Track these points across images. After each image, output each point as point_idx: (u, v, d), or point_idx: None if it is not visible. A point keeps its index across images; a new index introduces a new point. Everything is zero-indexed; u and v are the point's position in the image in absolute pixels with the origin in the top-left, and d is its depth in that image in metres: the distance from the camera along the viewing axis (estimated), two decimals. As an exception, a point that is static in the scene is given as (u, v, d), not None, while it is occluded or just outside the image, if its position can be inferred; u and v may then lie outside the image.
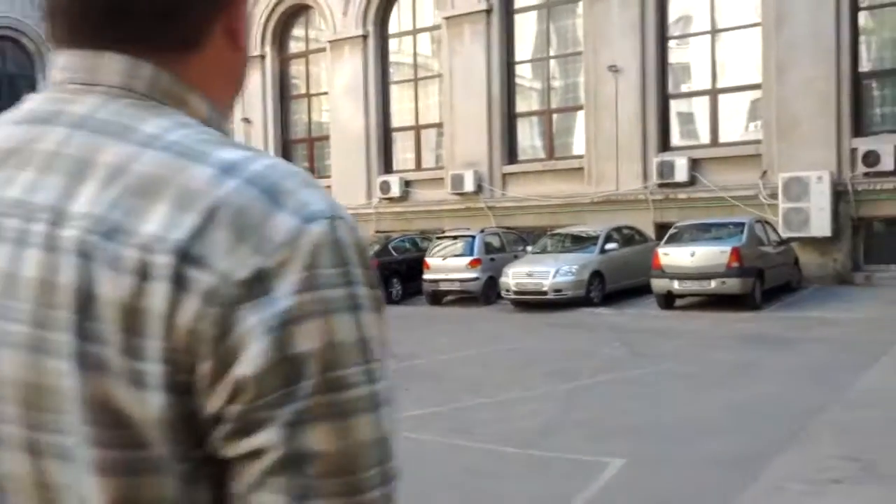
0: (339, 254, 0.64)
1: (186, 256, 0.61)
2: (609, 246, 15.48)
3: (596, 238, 15.67)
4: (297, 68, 24.92)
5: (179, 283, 0.61)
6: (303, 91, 24.95)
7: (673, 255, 13.82)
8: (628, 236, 16.46)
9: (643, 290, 15.32)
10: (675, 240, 14.42)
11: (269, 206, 0.63)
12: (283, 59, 24.82)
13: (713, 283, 13.41)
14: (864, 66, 16.36)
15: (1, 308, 0.65)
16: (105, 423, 0.62)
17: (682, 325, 12.12)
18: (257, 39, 24.32)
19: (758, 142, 17.19)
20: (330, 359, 0.62)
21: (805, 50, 16.28)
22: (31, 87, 29.04)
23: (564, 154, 19.88)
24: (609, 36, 18.57)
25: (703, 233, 14.60)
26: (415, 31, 22.37)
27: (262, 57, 24.37)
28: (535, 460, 5.66)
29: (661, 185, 17.86)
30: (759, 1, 17.04)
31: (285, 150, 24.84)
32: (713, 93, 17.98)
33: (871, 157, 15.54)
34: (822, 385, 7.38)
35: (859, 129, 16.20)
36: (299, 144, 24.89)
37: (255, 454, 0.62)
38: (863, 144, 15.76)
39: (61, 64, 0.72)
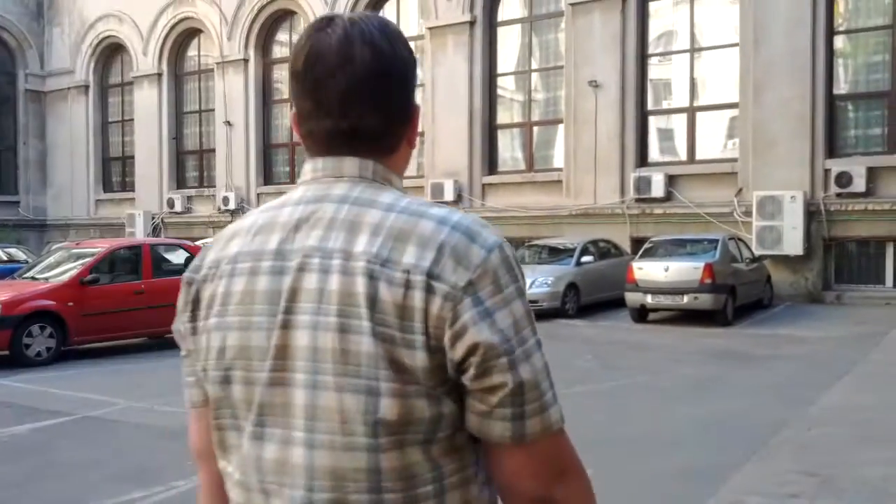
0: (507, 266, 1.11)
1: (431, 275, 1.07)
2: (585, 258, 15.66)
3: (572, 250, 15.85)
4: (280, 73, 24.95)
5: (429, 290, 1.07)
6: (285, 96, 24.96)
7: (647, 270, 14.01)
8: (604, 249, 16.65)
9: (618, 303, 15.50)
10: (649, 254, 14.61)
11: (468, 243, 1.10)
12: (267, 64, 24.85)
13: (686, 299, 13.61)
14: (839, 88, 16.68)
15: (319, 309, 1.09)
16: (393, 370, 1.06)
17: (654, 339, 12.28)
18: (241, 43, 24.38)
19: (734, 160, 17.47)
20: (517, 326, 1.09)
21: (782, 71, 16.58)
22: (12, 82, 28.88)
23: (544, 166, 20.09)
24: (590, 51, 18.81)
25: (677, 248, 14.79)
26: (399, 40, 22.47)
27: (246, 61, 24.45)
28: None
29: (638, 200, 18.10)
30: (738, 21, 17.35)
31: (266, 153, 24.88)
32: (691, 110, 18.26)
33: (844, 179, 15.85)
34: (786, 402, 7.54)
35: (833, 150, 16.52)
36: (280, 149, 24.90)
37: (491, 389, 1.07)
38: (836, 166, 16.06)
39: (317, 166, 1.21)
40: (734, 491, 4.97)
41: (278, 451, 1.13)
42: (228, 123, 24.70)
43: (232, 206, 24.39)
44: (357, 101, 1.17)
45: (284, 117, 24.90)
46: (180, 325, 1.25)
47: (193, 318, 1.22)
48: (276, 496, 1.14)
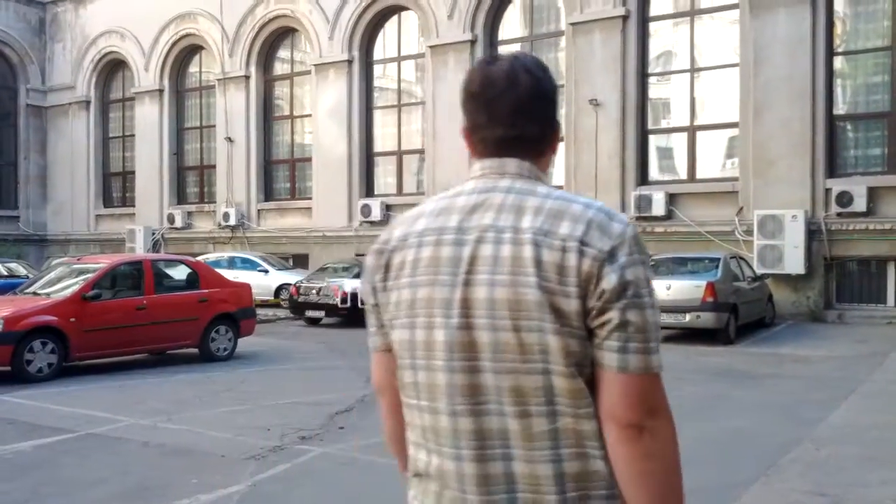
0: (636, 239, 1.48)
1: (583, 242, 1.43)
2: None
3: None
4: (281, 90, 25.04)
5: (581, 254, 1.43)
6: (286, 112, 25.05)
7: (649, 288, 13.98)
8: (605, 268, 16.63)
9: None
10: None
11: (608, 220, 1.47)
12: (268, 81, 24.95)
13: (688, 317, 13.58)
14: (839, 108, 16.77)
15: (494, 270, 1.46)
16: (554, 314, 1.42)
17: (657, 358, 12.24)
18: (243, 60, 24.47)
19: (734, 179, 17.52)
20: (638, 284, 1.44)
21: (781, 91, 16.67)
22: (13, 97, 28.93)
23: (545, 184, 20.09)
24: (590, 70, 18.91)
25: (678, 266, 14.78)
26: (399, 58, 22.61)
27: (247, 77, 24.53)
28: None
29: (639, 219, 18.10)
30: (738, 42, 17.45)
31: (266, 170, 24.92)
32: (691, 129, 18.33)
33: (845, 198, 15.90)
34: (793, 421, 7.51)
35: (833, 170, 16.58)
36: (281, 165, 24.95)
37: (606, 323, 1.43)
38: (836, 185, 16.13)
39: (484, 165, 1.60)
40: (744, 511, 4.95)
41: (467, 378, 1.50)
42: (229, 140, 24.74)
43: (232, 221, 24.40)
44: (521, 114, 1.59)
45: (285, 133, 24.97)
46: (372, 283, 1.65)
47: (385, 278, 1.62)
48: (463, 415, 1.51)
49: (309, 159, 23.91)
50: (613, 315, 1.43)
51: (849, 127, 16.78)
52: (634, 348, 1.43)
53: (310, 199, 23.67)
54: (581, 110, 18.97)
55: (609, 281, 1.43)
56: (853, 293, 16.50)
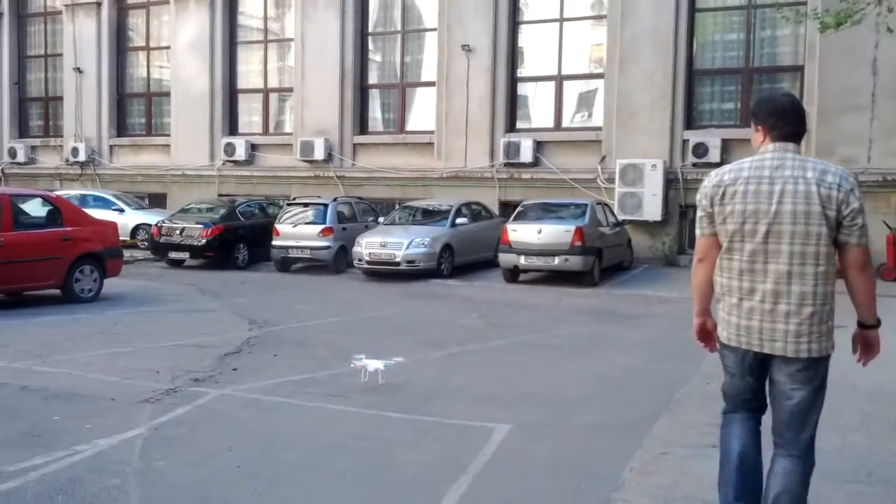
0: (856, 188, 3.40)
1: (839, 187, 3.34)
2: (459, 220, 15.89)
3: (447, 212, 16.03)
4: (136, 19, 23.59)
5: (839, 190, 3.33)
6: (142, 43, 23.65)
7: (521, 232, 14.38)
8: (476, 212, 16.94)
9: (488, 264, 15.88)
10: (522, 217, 14.99)
11: (847, 177, 3.39)
12: (122, 8, 23.47)
13: (557, 260, 14.09)
14: (698, 63, 17.59)
15: (795, 199, 3.34)
16: (824, 219, 3.32)
17: (530, 299, 12.67)
18: (93, -16, 22.84)
19: (598, 128, 18.12)
20: (862, 208, 3.36)
21: (646, 44, 17.31)
22: None
23: (415, 128, 20.11)
24: (462, 14, 18.91)
25: (548, 212, 15.24)
26: (267, -7, 21.78)
27: (98, 4, 22.95)
28: (421, 425, 5.81)
29: (507, 165, 18.49)
30: (608, -6, 17.90)
31: (120, 104, 23.57)
32: (559, 79, 18.74)
33: (701, 149, 16.81)
34: (676, 358, 7.97)
35: (691, 122, 17.46)
36: (136, 99, 23.66)
37: (853, 224, 3.34)
38: (693, 136, 17.01)
39: (777, 146, 3.46)
40: (658, 443, 5.23)
41: (775, 247, 3.35)
42: (78, 70, 23.19)
43: (82, 157, 23.02)
44: (799, 121, 3.49)
45: (140, 66, 23.64)
46: (711, 200, 3.48)
47: (722, 198, 3.44)
48: (771, 263, 3.36)
49: (167, 94, 22.76)
50: (856, 220, 3.35)
51: (706, 81, 17.65)
52: (861, 234, 3.35)
53: (168, 135, 22.60)
54: (453, 55, 18.99)
55: (852, 204, 3.35)
56: (703, 240, 17.52)
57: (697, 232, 3.56)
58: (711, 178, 3.50)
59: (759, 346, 3.41)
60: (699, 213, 3.53)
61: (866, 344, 3.53)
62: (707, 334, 3.71)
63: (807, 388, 3.42)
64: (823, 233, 3.28)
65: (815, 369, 3.42)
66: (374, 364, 6.97)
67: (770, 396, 3.56)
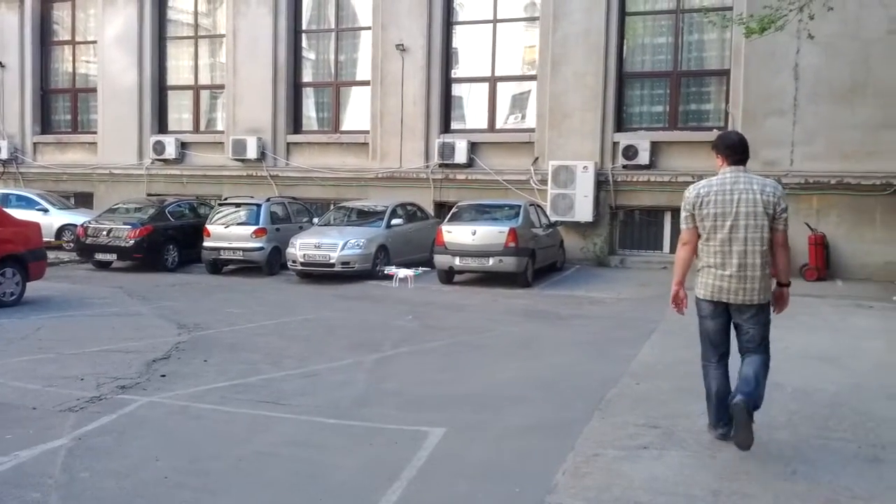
0: (784, 195, 5.23)
1: (773, 194, 5.16)
2: (395, 221, 15.83)
3: (382, 213, 15.96)
4: (61, 13, 22.89)
5: (773, 196, 5.14)
6: (68, 37, 22.96)
7: (455, 233, 14.41)
8: (412, 212, 16.92)
9: (424, 265, 15.87)
10: (457, 218, 15.03)
11: (777, 187, 5.22)
12: (46, 1, 22.75)
13: (491, 261, 14.16)
14: (628, 66, 17.89)
15: (748, 203, 5.13)
16: (766, 216, 5.12)
17: (465, 300, 12.70)
18: (15, -24, 22.09)
19: (531, 130, 18.28)
20: (787, 209, 5.20)
21: (578, 47, 17.53)
22: None
23: (350, 128, 19.99)
24: (397, 14, 18.87)
25: (482, 213, 15.30)
26: (197, -11, 21.38)
27: (21, -4, 22.20)
28: (355, 430, 5.78)
29: (441, 165, 18.51)
30: (540, -4, 18.06)
31: (44, 99, 22.87)
32: (493, 80, 18.84)
33: (630, 151, 17.11)
34: (608, 358, 8.09)
35: (621, 124, 17.74)
36: (61, 95, 22.98)
37: (782, 218, 5.17)
38: (623, 139, 17.28)
39: (732, 168, 5.26)
40: (590, 445, 5.29)
41: (730, 237, 5.13)
42: (1, 65, 22.40)
43: (4, 155, 22.31)
44: (744, 151, 5.30)
45: (65, 60, 22.97)
46: (694, 204, 5.23)
47: (701, 204, 5.18)
48: (735, 246, 5.12)
49: (94, 90, 22.16)
50: (783, 215, 5.14)
51: (636, 84, 17.95)
52: (785, 222, 5.15)
53: (95, 133, 22.02)
54: (388, 54, 18.93)
55: (781, 205, 5.13)
56: (633, 240, 17.86)
57: (683, 226, 5.34)
58: (692, 191, 5.29)
59: (727, 298, 5.19)
60: (684, 214, 5.32)
61: (781, 297, 5.33)
62: (679, 300, 5.36)
63: (757, 327, 5.22)
64: (765, 225, 5.11)
65: (763, 313, 5.24)
66: (405, 271, 7.62)
67: (736, 333, 5.32)
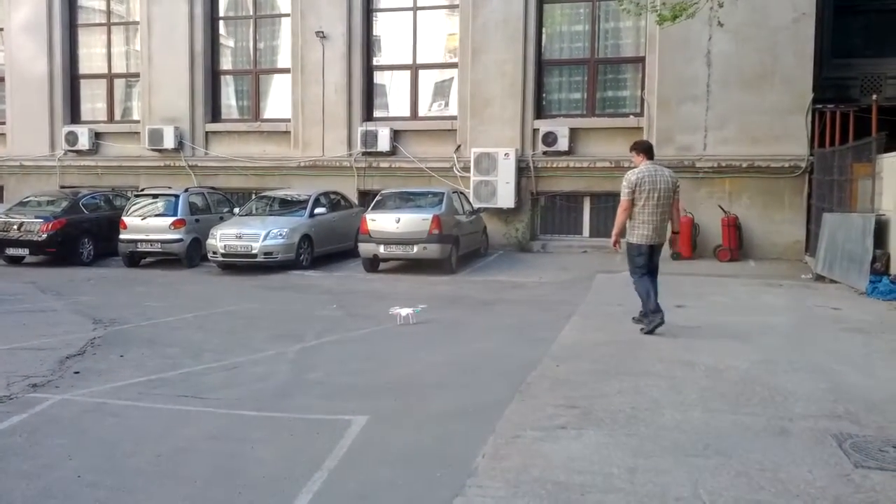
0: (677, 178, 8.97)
1: (674, 177, 8.66)
2: (318, 210, 15.71)
3: (305, 202, 15.82)
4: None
5: (675, 180, 8.67)
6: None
7: (379, 222, 14.40)
8: (335, 201, 16.81)
9: (348, 254, 15.83)
10: (380, 207, 15.02)
11: (673, 173, 8.93)
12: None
13: (415, 249, 14.21)
14: (547, 54, 18.09)
15: (663, 182, 8.44)
16: (673, 190, 8.60)
17: (389, 288, 12.71)
18: (-90, -41, 21.02)
19: (454, 118, 18.35)
20: (678, 185, 8.72)
21: (497, 35, 17.65)
22: None
23: (271, 116, 19.72)
24: (316, 1, 18.68)
25: (406, 201, 15.33)
26: (108, -27, 20.73)
27: (-82, -20, 21.16)
28: (276, 422, 5.74)
29: (365, 154, 18.44)
30: (460, -17, 18.09)
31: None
32: (414, 68, 18.82)
33: (550, 138, 17.34)
34: (528, 341, 8.22)
35: (540, 111, 17.96)
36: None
37: (677, 190, 8.67)
38: (543, 126, 17.51)
39: (648, 162, 8.62)
40: (510, 427, 5.36)
41: (656, 205, 8.40)
42: None
43: None
44: (652, 150, 8.81)
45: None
46: (635, 183, 8.36)
47: (640, 183, 8.34)
48: (657, 211, 8.39)
49: (1, 79, 21.29)
50: (678, 188, 8.60)
51: (555, 71, 18.17)
52: (678, 193, 8.61)
53: (3, 124, 21.21)
54: (308, 42, 18.73)
55: (678, 185, 8.62)
56: (554, 225, 18.13)
57: (624, 197, 8.37)
58: (633, 175, 8.38)
59: (650, 242, 8.40)
60: (626, 189, 8.34)
61: (674, 238, 9.25)
62: (616, 244, 8.59)
63: (658, 255, 8.59)
64: (671, 197, 8.38)
65: (662, 247, 8.69)
66: (406, 310, 9.00)
67: (649, 263, 8.49)
